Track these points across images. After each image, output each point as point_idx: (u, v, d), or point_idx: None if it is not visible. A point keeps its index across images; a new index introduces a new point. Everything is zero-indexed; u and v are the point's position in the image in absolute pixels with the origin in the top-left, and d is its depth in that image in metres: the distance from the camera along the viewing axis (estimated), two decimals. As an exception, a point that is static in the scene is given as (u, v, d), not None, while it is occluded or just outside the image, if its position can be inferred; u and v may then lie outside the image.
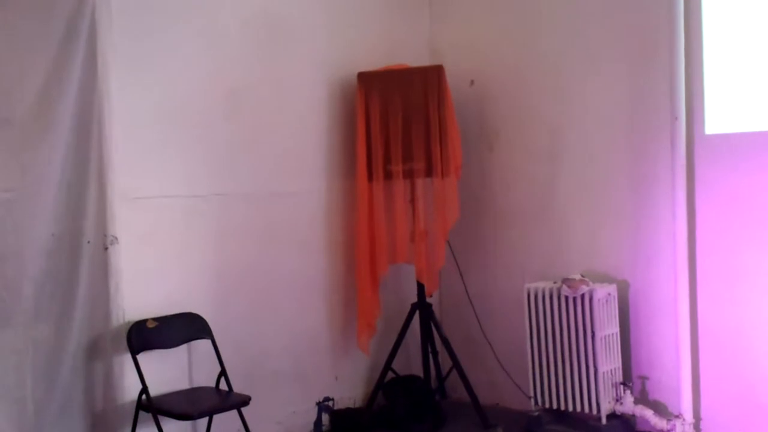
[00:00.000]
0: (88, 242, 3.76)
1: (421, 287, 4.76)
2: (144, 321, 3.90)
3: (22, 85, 3.60)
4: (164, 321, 3.97)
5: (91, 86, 3.78)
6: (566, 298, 4.32)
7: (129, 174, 3.90)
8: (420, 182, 4.74)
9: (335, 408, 4.78)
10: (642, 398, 4.39)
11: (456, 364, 4.71)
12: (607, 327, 4.29)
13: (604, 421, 4.29)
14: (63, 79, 3.69)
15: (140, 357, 3.83)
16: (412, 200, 4.76)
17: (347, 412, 4.79)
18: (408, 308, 4.79)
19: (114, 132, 3.84)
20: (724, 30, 4.10)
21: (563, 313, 4.34)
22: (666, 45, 4.17)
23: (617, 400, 4.31)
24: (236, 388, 4.06)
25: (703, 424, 4.21)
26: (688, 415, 4.18)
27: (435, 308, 4.93)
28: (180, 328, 4.05)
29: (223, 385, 4.07)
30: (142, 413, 3.81)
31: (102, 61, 3.79)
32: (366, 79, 4.69)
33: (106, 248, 3.81)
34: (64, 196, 3.70)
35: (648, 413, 4.27)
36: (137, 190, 3.95)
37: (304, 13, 4.68)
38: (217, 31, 4.31)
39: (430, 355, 4.86)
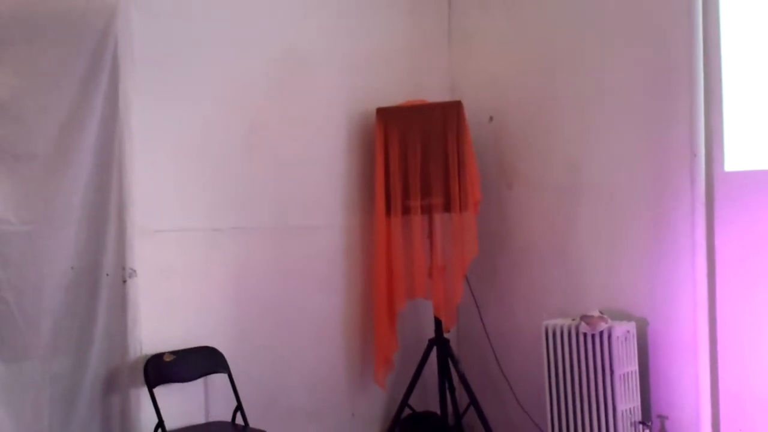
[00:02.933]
0: (107, 275, 3.79)
1: (438, 323, 4.74)
2: (161, 354, 3.91)
3: (44, 120, 3.66)
4: (181, 354, 3.98)
5: (113, 121, 3.83)
6: (585, 335, 4.28)
7: (149, 207, 3.93)
8: (438, 217, 4.74)
9: (351, 445, 4.77)
10: (661, 438, 4.35)
11: (473, 401, 4.68)
12: (626, 365, 4.25)
13: (623, 460, 4.25)
14: (85, 114, 3.75)
15: (157, 390, 3.84)
16: (430, 235, 4.75)
17: (363, 448, 4.78)
18: (425, 344, 4.77)
19: (135, 166, 3.88)
20: (743, 66, 4.09)
21: (582, 351, 4.30)
22: (685, 81, 4.16)
23: (636, 440, 4.27)
24: (252, 423, 4.05)
25: (723, 465, 4.16)
26: (709, 455, 4.13)
27: (452, 344, 4.90)
28: (197, 362, 4.05)
29: (239, 420, 4.07)
30: (157, 447, 3.81)
31: (123, 96, 3.85)
32: (385, 114, 4.72)
33: (125, 281, 3.83)
34: (84, 229, 3.74)
35: (667, 453, 4.22)
36: (157, 223, 3.98)
37: (324, 49, 4.71)
38: (238, 66, 4.35)
39: (448, 392, 4.82)
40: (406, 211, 4.68)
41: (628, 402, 4.25)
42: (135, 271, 3.85)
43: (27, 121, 3.62)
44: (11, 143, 3.58)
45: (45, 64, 3.66)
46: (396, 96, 4.85)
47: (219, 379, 4.12)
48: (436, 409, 4.88)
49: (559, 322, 4.43)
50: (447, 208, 4.63)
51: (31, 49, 3.63)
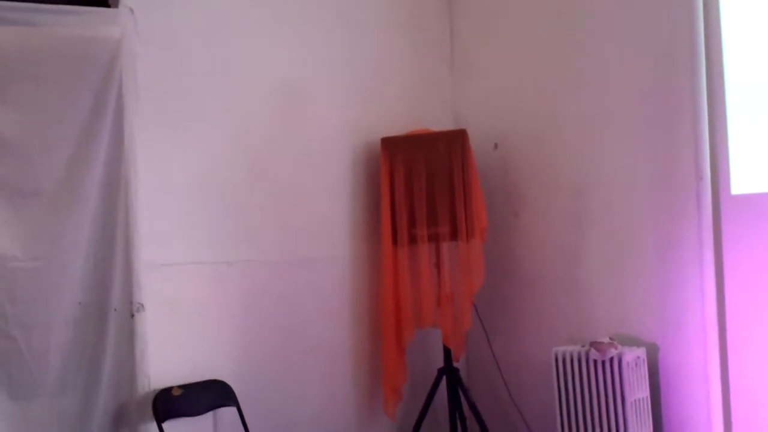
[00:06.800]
0: (115, 310, 3.79)
1: (447, 352, 4.72)
2: (170, 388, 3.90)
3: (50, 157, 3.69)
4: (190, 388, 3.96)
5: (118, 156, 3.85)
6: (595, 361, 4.26)
7: (155, 241, 3.94)
8: (445, 246, 4.72)
9: (363, 477, 4.73)
10: (675, 464, 4.30)
11: (484, 431, 4.65)
12: (638, 391, 4.21)
13: (636, 488, 4.21)
14: (91, 150, 3.77)
15: (166, 425, 3.82)
16: (438, 264, 4.74)
17: (374, 480, 4.73)
18: (434, 373, 4.74)
19: (140, 200, 3.89)
20: (748, 88, 4.09)
21: (592, 378, 4.27)
22: (689, 104, 4.17)
23: (650, 467, 4.23)
24: (262, 457, 4.03)
25: (738, 492, 4.11)
26: (723, 482, 4.09)
27: (462, 373, 4.87)
28: (206, 396, 4.04)
29: (248, 454, 4.05)
30: (167, 483, 3.79)
31: (129, 131, 3.87)
32: (390, 144, 4.73)
33: (133, 316, 3.83)
34: (91, 264, 3.75)
35: (681, 480, 4.18)
36: (163, 257, 3.99)
37: (328, 80, 4.73)
38: (242, 98, 4.37)
39: (458, 421, 4.79)
40: (413, 240, 4.68)
41: (640, 429, 4.20)
42: (142, 305, 3.84)
43: (33, 159, 3.65)
44: (17, 180, 3.61)
45: (50, 100, 3.69)
46: (399, 125, 4.85)
47: (228, 413, 4.09)
48: (446, 439, 4.86)
49: (568, 348, 4.40)
50: (454, 236, 4.63)
51: (36, 86, 3.66)
